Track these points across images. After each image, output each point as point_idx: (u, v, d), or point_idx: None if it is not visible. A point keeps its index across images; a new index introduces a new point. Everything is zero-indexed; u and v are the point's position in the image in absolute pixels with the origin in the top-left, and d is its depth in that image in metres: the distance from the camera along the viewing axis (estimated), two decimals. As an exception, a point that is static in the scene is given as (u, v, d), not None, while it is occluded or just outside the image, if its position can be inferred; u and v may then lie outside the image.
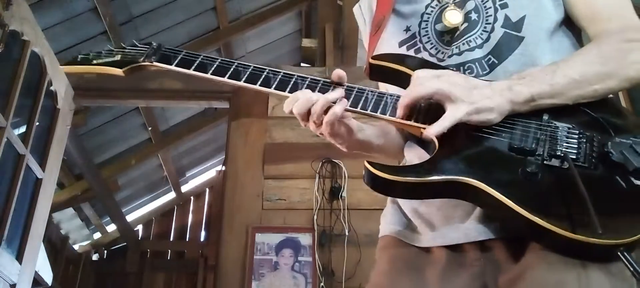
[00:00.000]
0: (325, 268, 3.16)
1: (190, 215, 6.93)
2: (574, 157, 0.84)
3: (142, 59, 1.05)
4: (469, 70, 0.98)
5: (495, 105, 0.87)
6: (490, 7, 1.02)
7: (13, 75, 2.64)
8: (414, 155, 1.03)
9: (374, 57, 1.04)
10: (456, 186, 0.84)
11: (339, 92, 0.95)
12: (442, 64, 1.01)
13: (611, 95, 0.94)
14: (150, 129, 5.08)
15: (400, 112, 0.91)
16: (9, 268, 2.57)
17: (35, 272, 3.11)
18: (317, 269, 3.15)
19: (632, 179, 0.81)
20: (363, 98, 0.96)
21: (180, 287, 6.27)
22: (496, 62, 0.97)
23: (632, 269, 0.75)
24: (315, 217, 3.27)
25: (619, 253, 0.76)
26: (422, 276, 0.96)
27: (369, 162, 0.88)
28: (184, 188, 6.78)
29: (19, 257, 2.68)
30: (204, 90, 3.70)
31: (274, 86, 0.98)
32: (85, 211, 5.77)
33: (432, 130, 0.87)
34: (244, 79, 0.99)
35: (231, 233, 3.28)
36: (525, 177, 0.82)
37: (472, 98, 0.87)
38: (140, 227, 6.78)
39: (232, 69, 1.00)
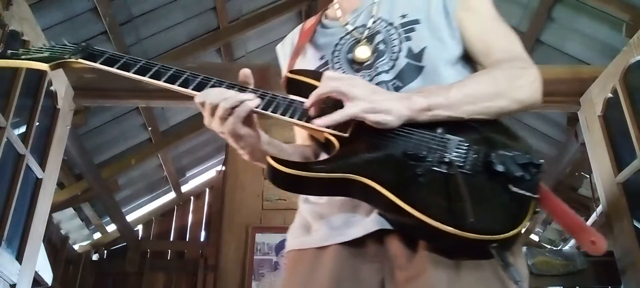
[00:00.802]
0: (325, 268, 3.16)
1: (190, 215, 6.93)
2: (460, 164, 0.93)
3: (67, 56, 1.09)
4: None
5: (392, 108, 0.95)
6: (395, 39, 1.14)
7: (13, 75, 2.64)
8: None
9: (291, 71, 1.15)
10: (348, 183, 0.92)
11: (252, 95, 1.01)
12: None
13: (507, 116, 1.05)
14: (150, 129, 5.08)
15: (309, 108, 0.98)
16: (9, 268, 2.57)
17: (35, 272, 3.11)
18: (317, 269, 3.15)
19: (510, 186, 0.90)
20: (274, 102, 1.02)
21: (180, 287, 6.27)
22: (401, 85, 1.08)
23: (502, 263, 0.84)
24: (315, 217, 3.26)
25: (491, 249, 0.84)
26: (313, 275, 1.00)
27: (272, 157, 0.94)
28: (184, 188, 6.78)
29: (19, 257, 2.68)
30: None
31: (192, 87, 1.03)
32: (85, 211, 5.77)
33: (321, 122, 0.95)
34: (163, 79, 1.03)
35: (231, 233, 3.28)
36: (412, 179, 0.90)
37: (371, 98, 0.95)
38: (140, 227, 6.78)
39: (154, 70, 1.05)
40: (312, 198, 1.12)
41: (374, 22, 1.20)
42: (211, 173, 6.95)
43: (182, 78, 1.04)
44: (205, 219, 6.85)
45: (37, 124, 2.85)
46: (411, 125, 0.97)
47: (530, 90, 1.06)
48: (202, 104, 1.00)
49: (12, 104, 2.57)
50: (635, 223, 2.87)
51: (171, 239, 6.77)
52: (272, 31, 5.24)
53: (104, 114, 4.58)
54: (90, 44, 1.12)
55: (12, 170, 2.63)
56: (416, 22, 1.15)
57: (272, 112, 1.01)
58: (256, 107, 1.00)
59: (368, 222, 0.97)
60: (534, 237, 6.89)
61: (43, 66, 1.09)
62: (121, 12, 3.94)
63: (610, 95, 3.10)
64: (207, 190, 7.01)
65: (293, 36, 1.36)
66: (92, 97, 3.43)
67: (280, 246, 3.25)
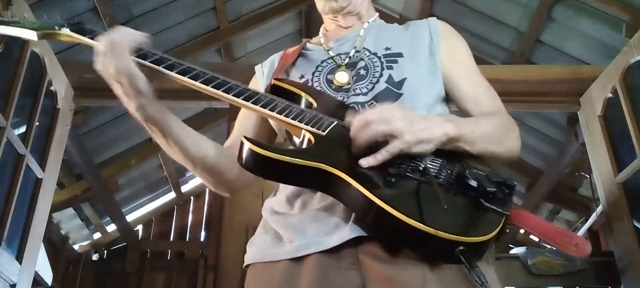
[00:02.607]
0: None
1: (190, 215, 6.93)
2: (435, 174, 0.96)
3: (58, 28, 1.10)
4: (355, 108, 1.12)
5: (433, 137, 0.97)
6: (378, 66, 1.19)
7: (13, 75, 2.64)
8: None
9: (276, 78, 1.19)
10: (321, 173, 0.93)
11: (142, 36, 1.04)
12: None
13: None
14: (150, 129, 5.08)
15: (365, 162, 0.95)
16: (9, 268, 2.57)
17: (35, 272, 3.11)
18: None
19: (482, 200, 0.92)
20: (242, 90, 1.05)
21: (180, 287, 6.27)
22: (376, 106, 1.11)
23: (467, 266, 0.85)
24: (315, 217, 3.26)
25: (458, 253, 0.85)
26: (292, 286, 0.98)
27: (246, 137, 0.95)
28: (184, 188, 6.78)
29: (19, 257, 2.68)
30: (204, 90, 3.70)
31: (164, 66, 1.06)
32: (85, 211, 5.77)
33: (367, 162, 0.93)
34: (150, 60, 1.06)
35: (231, 233, 3.28)
36: (385, 180, 0.92)
37: (413, 129, 0.95)
38: (140, 227, 6.78)
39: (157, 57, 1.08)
40: (280, 208, 1.11)
41: (356, 51, 1.25)
42: (211, 173, 6.95)
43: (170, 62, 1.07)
44: (205, 219, 6.85)
45: (37, 124, 2.85)
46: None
47: (518, 144, 1.16)
48: (102, 43, 1.01)
49: (12, 104, 2.57)
50: (635, 223, 2.87)
51: (171, 239, 6.77)
52: (272, 31, 5.24)
53: (104, 114, 4.58)
54: (82, 22, 1.13)
55: (12, 170, 2.63)
56: (399, 55, 1.21)
57: (244, 100, 1.04)
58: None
59: (344, 230, 0.97)
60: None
61: (30, 34, 1.09)
62: (121, 12, 3.94)
63: (610, 95, 3.10)
64: (207, 190, 7.01)
65: (273, 58, 1.39)
66: (92, 97, 3.42)
67: (280, 246, 3.27)
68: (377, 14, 1.41)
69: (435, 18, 1.30)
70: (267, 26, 5.05)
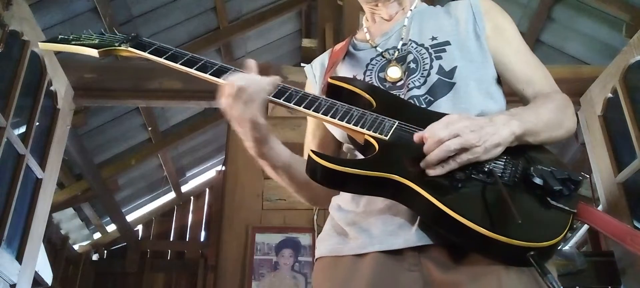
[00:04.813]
0: (325, 269, 3.16)
1: (190, 215, 6.94)
2: (500, 174, 0.94)
3: (118, 44, 1.14)
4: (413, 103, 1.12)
5: (501, 141, 0.95)
6: (426, 58, 1.17)
7: (13, 75, 2.64)
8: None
9: (332, 77, 1.17)
10: (388, 183, 0.93)
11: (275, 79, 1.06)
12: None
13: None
14: (150, 129, 5.08)
15: (432, 171, 0.94)
16: (9, 268, 2.57)
17: (35, 272, 3.11)
18: (317, 269, 3.15)
19: (549, 199, 0.91)
20: (315, 101, 1.06)
21: (180, 287, 6.27)
22: (432, 99, 1.11)
23: (539, 271, 0.84)
24: (315, 217, 3.26)
25: (529, 257, 0.85)
26: (351, 281, 1.00)
27: (314, 151, 0.97)
28: (184, 188, 6.78)
29: (19, 257, 2.67)
30: (204, 90, 3.68)
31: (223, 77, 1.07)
32: (85, 211, 5.77)
33: (435, 172, 0.93)
34: (210, 72, 1.08)
35: (231, 233, 3.28)
36: (451, 184, 0.91)
37: (483, 138, 0.94)
38: (140, 227, 6.78)
39: (200, 64, 1.10)
40: (346, 206, 1.12)
41: (403, 44, 1.23)
42: (211, 173, 6.96)
43: (230, 71, 1.08)
44: (205, 219, 6.86)
45: (37, 124, 2.85)
46: None
47: (574, 119, 1.13)
48: (231, 86, 1.02)
49: (12, 104, 2.57)
50: (635, 223, 2.87)
51: (171, 239, 6.78)
52: (272, 31, 5.25)
53: (104, 114, 4.59)
54: (139, 35, 1.16)
55: (12, 170, 2.63)
56: (447, 43, 1.18)
57: (305, 107, 1.05)
58: (283, 99, 1.04)
59: (409, 235, 0.98)
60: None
61: (93, 52, 1.13)
62: (121, 12, 3.94)
63: (610, 95, 3.10)
64: (207, 190, 7.01)
65: (322, 58, 1.38)
66: (92, 97, 3.42)
67: (280, 246, 3.25)
68: None
69: None
70: (267, 26, 5.05)
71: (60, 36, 1.17)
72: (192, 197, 6.99)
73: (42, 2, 3.40)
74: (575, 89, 3.37)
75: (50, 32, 3.37)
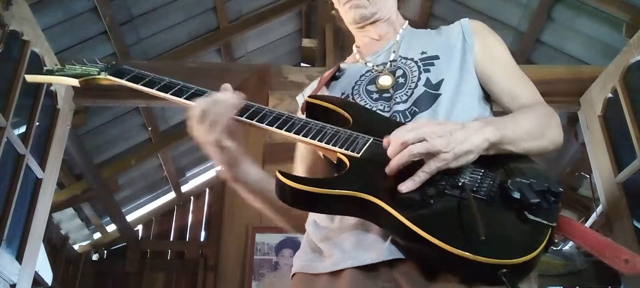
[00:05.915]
0: (325, 269, 3.15)
1: (190, 215, 6.93)
2: (474, 189, 0.91)
3: (97, 73, 1.18)
4: (395, 118, 1.11)
5: (473, 148, 0.93)
6: (415, 71, 1.18)
7: (13, 75, 2.64)
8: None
9: (310, 96, 1.18)
10: (357, 202, 0.90)
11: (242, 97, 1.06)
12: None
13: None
14: (150, 129, 5.08)
15: (404, 187, 0.91)
16: (9, 268, 2.57)
17: (35, 272, 3.11)
18: (317, 269, 3.15)
19: (526, 213, 0.87)
20: (277, 117, 1.06)
21: (180, 287, 6.27)
22: (417, 110, 1.10)
23: None
24: (315, 217, 3.26)
25: (501, 275, 0.81)
26: None
27: (280, 171, 0.94)
28: (184, 188, 6.77)
29: (19, 257, 2.68)
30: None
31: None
32: (85, 211, 5.77)
33: (406, 187, 0.90)
34: (185, 97, 1.10)
35: (231, 233, 3.28)
36: (423, 200, 0.88)
37: (452, 145, 0.90)
38: (140, 227, 6.78)
39: (176, 88, 1.11)
40: (321, 222, 1.11)
41: (393, 60, 1.24)
42: (211, 173, 6.95)
43: (205, 94, 1.08)
44: (205, 219, 6.85)
45: (37, 124, 2.85)
46: None
47: (560, 131, 1.12)
48: (195, 109, 1.03)
49: (12, 104, 2.58)
50: (635, 223, 2.87)
51: (171, 239, 6.77)
52: (272, 31, 5.24)
53: (104, 113, 4.58)
54: (120, 63, 1.20)
55: (12, 170, 2.63)
56: (436, 57, 1.20)
57: (267, 124, 1.05)
58: (247, 118, 1.04)
59: (382, 249, 0.95)
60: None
61: (74, 82, 1.17)
62: (121, 12, 3.94)
63: (610, 95, 3.10)
64: (207, 190, 7.01)
65: (313, 85, 1.38)
66: (92, 97, 3.43)
67: (280, 246, 3.25)
68: (407, 21, 1.38)
69: (466, 18, 1.29)
70: (267, 26, 5.05)
71: (45, 69, 1.25)
72: (192, 197, 6.98)
73: (42, 2, 3.40)
74: (575, 89, 3.38)
75: (50, 32, 3.38)
